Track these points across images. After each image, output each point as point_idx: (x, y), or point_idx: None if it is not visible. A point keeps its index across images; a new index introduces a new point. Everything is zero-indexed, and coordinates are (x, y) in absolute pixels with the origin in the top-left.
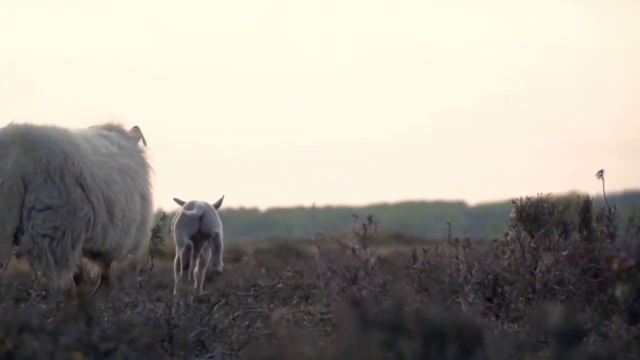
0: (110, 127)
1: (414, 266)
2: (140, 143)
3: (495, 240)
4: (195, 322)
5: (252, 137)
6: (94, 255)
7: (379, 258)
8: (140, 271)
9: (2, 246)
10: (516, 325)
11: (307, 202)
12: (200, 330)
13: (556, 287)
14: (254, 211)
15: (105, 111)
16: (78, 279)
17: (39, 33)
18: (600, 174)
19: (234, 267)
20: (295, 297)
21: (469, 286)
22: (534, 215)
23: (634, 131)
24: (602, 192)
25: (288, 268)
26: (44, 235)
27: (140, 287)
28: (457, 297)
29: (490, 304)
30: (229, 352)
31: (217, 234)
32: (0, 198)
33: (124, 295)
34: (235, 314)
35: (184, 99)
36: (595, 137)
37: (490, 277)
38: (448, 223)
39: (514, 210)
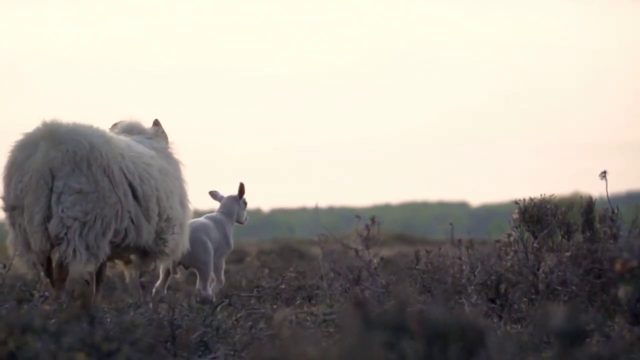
0: (130, 129)
1: (417, 267)
2: (163, 139)
3: (498, 241)
4: (198, 323)
5: (254, 137)
6: (141, 254)
7: (381, 259)
8: (142, 272)
9: (35, 236)
10: (519, 326)
11: (309, 203)
12: (203, 331)
13: (559, 287)
14: (257, 212)
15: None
16: (98, 277)
17: (38, 33)
18: (603, 174)
19: (237, 268)
20: (298, 297)
21: (472, 287)
22: (537, 216)
23: (637, 132)
24: (605, 193)
25: (291, 269)
26: (74, 219)
27: (143, 288)
28: (460, 298)
29: (493, 305)
30: (231, 352)
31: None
32: (29, 192)
33: (127, 296)
34: (238, 315)
35: (184, 99)
36: (598, 138)
37: (493, 278)
38: (451, 224)
39: (516, 211)
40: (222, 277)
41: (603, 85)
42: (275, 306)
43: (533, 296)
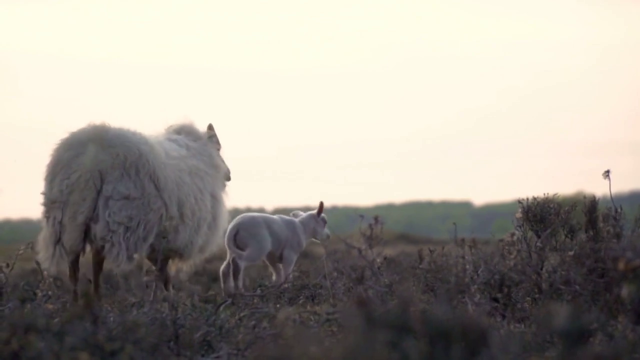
0: (180, 130)
1: (420, 266)
2: (210, 142)
3: (501, 241)
4: (201, 322)
5: (257, 136)
6: (167, 252)
7: (385, 258)
8: (147, 271)
9: (72, 234)
10: (522, 326)
11: (313, 202)
12: (207, 330)
13: (562, 287)
14: (260, 211)
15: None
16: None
17: (38, 32)
18: (607, 174)
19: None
20: (301, 297)
21: (475, 286)
22: (540, 216)
23: None
24: (609, 192)
25: (294, 268)
26: (120, 223)
27: (147, 287)
28: (463, 297)
29: (496, 304)
30: (235, 352)
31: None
32: (76, 190)
33: (130, 295)
34: (242, 314)
35: (185, 99)
36: (601, 138)
37: (496, 277)
38: (454, 223)
39: (520, 210)
40: (290, 270)
41: (606, 85)
42: (278, 305)
43: (536, 295)
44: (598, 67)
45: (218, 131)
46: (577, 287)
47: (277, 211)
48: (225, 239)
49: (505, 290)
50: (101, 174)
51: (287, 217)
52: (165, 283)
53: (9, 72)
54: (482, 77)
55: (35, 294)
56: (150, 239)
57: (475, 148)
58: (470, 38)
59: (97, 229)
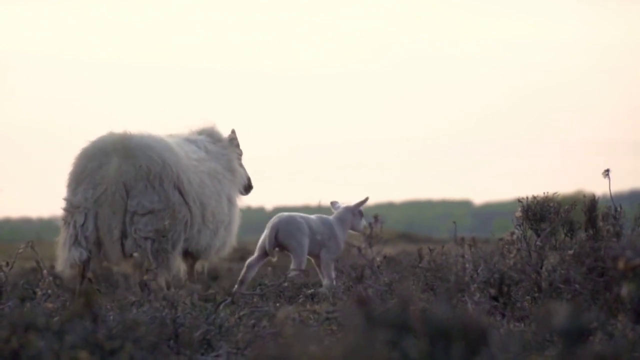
0: (202, 132)
1: (420, 265)
2: (230, 145)
3: (501, 239)
4: (201, 321)
5: (257, 136)
6: (184, 254)
7: (385, 257)
8: (147, 270)
9: (112, 249)
10: (522, 324)
11: (312, 201)
12: (206, 329)
13: (562, 286)
14: (260, 210)
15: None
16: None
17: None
18: (607, 173)
19: (239, 266)
20: (301, 296)
21: (475, 285)
22: (540, 214)
23: None
24: (609, 191)
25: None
26: (146, 238)
27: (147, 285)
28: (463, 296)
29: (496, 303)
30: (234, 351)
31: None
32: (104, 204)
33: (130, 294)
34: (241, 313)
35: (185, 99)
36: (601, 136)
37: (496, 276)
38: (454, 222)
39: (519, 209)
40: (332, 274)
41: (606, 84)
42: (278, 304)
43: (536, 294)
44: (598, 67)
45: (221, 129)
46: (577, 286)
47: (276, 210)
48: (266, 239)
49: (505, 289)
50: (125, 187)
51: (323, 216)
52: (191, 280)
53: (9, 72)
54: (482, 77)
55: (35, 292)
56: (179, 248)
57: (475, 147)
58: (470, 38)
59: (127, 245)
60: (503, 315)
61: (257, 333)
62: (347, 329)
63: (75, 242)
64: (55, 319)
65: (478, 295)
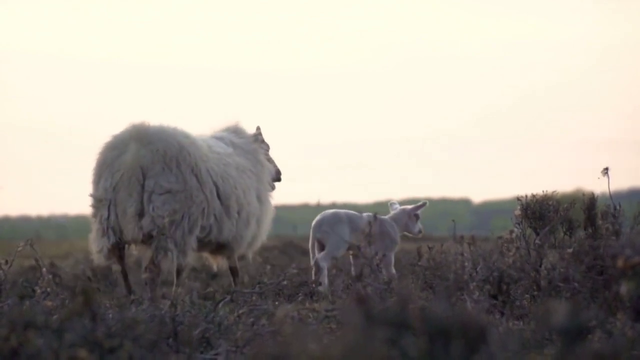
0: (226, 129)
1: (419, 263)
2: (256, 140)
3: (500, 238)
4: (200, 319)
5: None
6: (217, 248)
7: (384, 255)
8: (146, 268)
9: (129, 225)
10: (521, 323)
11: (312, 200)
12: (205, 327)
13: (561, 284)
14: None
15: (176, 113)
16: (178, 270)
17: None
18: (606, 171)
19: (239, 264)
20: (300, 294)
21: (474, 283)
22: (539, 213)
23: None
24: (608, 190)
25: (293, 265)
26: (163, 217)
27: (146, 284)
28: (462, 295)
29: (495, 302)
30: (233, 349)
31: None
32: (122, 188)
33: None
34: (240, 311)
35: (185, 99)
36: (600, 135)
37: (495, 274)
38: (453, 220)
39: (519, 207)
40: (392, 270)
41: (606, 83)
42: (277, 302)
43: (535, 293)
44: (598, 66)
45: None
46: (576, 284)
47: (276, 208)
48: (310, 236)
49: (504, 287)
50: (142, 170)
51: (375, 214)
52: (235, 276)
53: (9, 72)
54: (482, 76)
55: (34, 290)
56: (196, 232)
57: (475, 146)
58: (470, 38)
59: (144, 224)
60: (502, 314)
61: (256, 331)
62: (346, 328)
63: (104, 235)
64: (55, 317)
65: (477, 293)
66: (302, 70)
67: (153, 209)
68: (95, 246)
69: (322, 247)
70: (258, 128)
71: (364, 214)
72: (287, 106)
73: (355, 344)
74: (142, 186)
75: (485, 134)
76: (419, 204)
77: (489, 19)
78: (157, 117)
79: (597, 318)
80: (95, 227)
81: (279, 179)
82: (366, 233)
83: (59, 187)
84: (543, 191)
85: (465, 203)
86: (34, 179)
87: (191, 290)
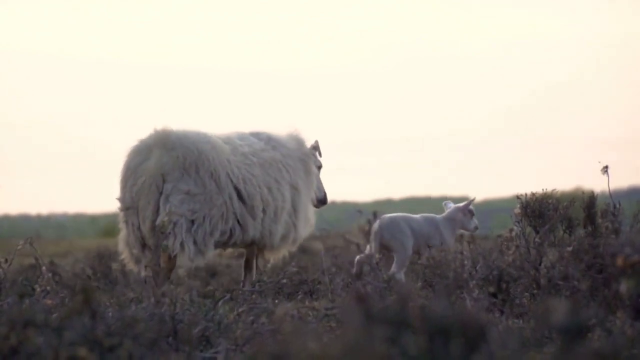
0: (256, 134)
1: (419, 262)
2: (310, 151)
3: (499, 236)
4: (199, 318)
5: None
6: (248, 245)
7: (383, 254)
8: (146, 267)
9: (149, 232)
10: (521, 321)
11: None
12: (205, 325)
13: (561, 282)
14: None
15: (176, 114)
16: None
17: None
18: (605, 169)
19: (238, 262)
20: (299, 292)
21: (474, 282)
22: (539, 211)
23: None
24: (607, 188)
25: (293, 263)
26: (181, 215)
27: (146, 282)
28: (462, 293)
29: (494, 300)
30: (233, 347)
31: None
32: (142, 194)
33: (129, 291)
34: (240, 310)
35: (185, 99)
36: (600, 133)
37: (495, 272)
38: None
39: (518, 206)
40: None
41: (606, 80)
42: (277, 301)
43: (535, 291)
44: (597, 65)
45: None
46: (576, 282)
47: None
48: (371, 242)
49: (504, 285)
50: (163, 177)
51: (429, 215)
52: (247, 271)
53: (9, 72)
54: (482, 76)
55: (33, 289)
56: (217, 235)
57: (474, 145)
58: (470, 38)
59: (158, 221)
60: (502, 312)
61: (256, 330)
62: (346, 326)
63: (131, 242)
64: (54, 315)
65: (477, 291)
66: (302, 70)
67: (169, 208)
68: (125, 252)
69: (384, 250)
70: (316, 142)
71: (418, 216)
72: (287, 106)
73: (355, 342)
74: (161, 192)
75: (485, 133)
76: (470, 200)
77: (489, 19)
78: (157, 117)
79: (597, 316)
80: (124, 232)
81: (324, 201)
82: (365, 231)
83: (59, 186)
84: (543, 189)
85: (464, 201)
86: (33, 178)
87: (191, 289)
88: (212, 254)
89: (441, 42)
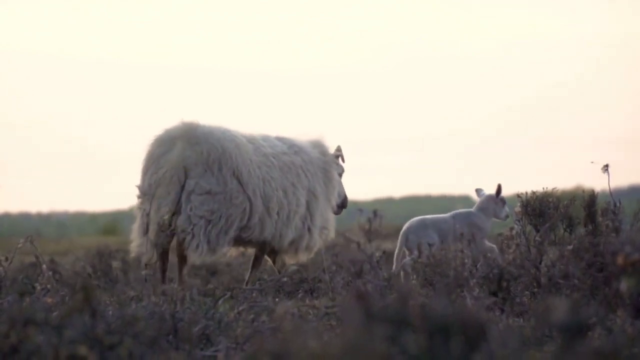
0: (281, 138)
1: (419, 260)
2: (332, 156)
3: (500, 235)
4: (200, 316)
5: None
6: (260, 245)
7: (384, 252)
8: (146, 265)
9: (155, 226)
10: (521, 320)
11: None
12: (205, 324)
13: (561, 281)
14: None
15: (175, 113)
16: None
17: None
18: (606, 168)
19: (239, 261)
20: (300, 291)
21: (474, 280)
22: (539, 210)
23: None
24: (608, 187)
25: (293, 262)
26: (201, 217)
27: (146, 280)
28: (462, 292)
29: (495, 298)
30: (233, 345)
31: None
32: (162, 184)
33: (129, 289)
34: (241, 308)
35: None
36: (600, 132)
37: (495, 271)
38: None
39: (519, 204)
40: (491, 248)
41: (606, 80)
42: (277, 299)
43: (535, 290)
44: (597, 65)
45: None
46: (576, 281)
47: None
48: (397, 245)
49: (504, 284)
50: (185, 170)
51: (462, 211)
52: (254, 268)
53: (9, 72)
54: (482, 76)
55: (34, 287)
56: (232, 233)
57: (474, 144)
58: (470, 38)
59: (179, 221)
60: (502, 311)
61: (256, 328)
62: (346, 324)
63: (144, 230)
64: (55, 314)
65: (477, 290)
66: (302, 70)
67: (191, 209)
68: (137, 241)
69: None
70: (339, 148)
71: (449, 214)
72: (287, 106)
73: (356, 341)
74: (182, 186)
75: (485, 133)
76: (497, 187)
77: (489, 19)
78: (157, 117)
79: (597, 315)
80: (138, 221)
81: (344, 206)
82: (366, 229)
83: (59, 185)
84: (543, 188)
85: (465, 200)
86: (34, 177)
87: (191, 287)
88: (224, 250)
89: (441, 42)
